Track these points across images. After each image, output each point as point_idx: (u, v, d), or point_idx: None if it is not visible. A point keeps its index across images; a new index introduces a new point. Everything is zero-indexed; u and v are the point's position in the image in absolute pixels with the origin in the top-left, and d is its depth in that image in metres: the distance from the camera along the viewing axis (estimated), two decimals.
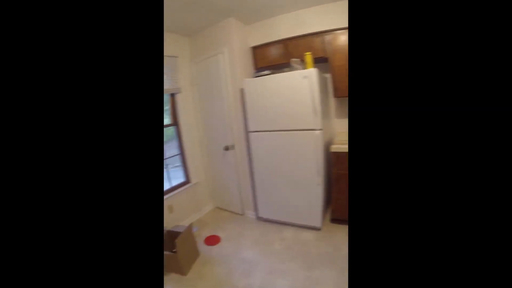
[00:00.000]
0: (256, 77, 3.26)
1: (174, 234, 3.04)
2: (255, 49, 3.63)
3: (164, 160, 3.71)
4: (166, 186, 3.71)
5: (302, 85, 2.85)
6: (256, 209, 3.67)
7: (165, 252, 2.63)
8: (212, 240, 3.28)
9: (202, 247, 3.16)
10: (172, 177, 3.81)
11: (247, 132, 3.47)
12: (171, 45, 3.58)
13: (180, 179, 3.97)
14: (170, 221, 3.53)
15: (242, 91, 3.38)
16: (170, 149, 3.84)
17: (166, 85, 3.53)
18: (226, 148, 3.67)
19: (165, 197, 3.54)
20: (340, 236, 2.96)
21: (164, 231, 3.15)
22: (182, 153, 3.91)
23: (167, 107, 3.72)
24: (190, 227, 2.98)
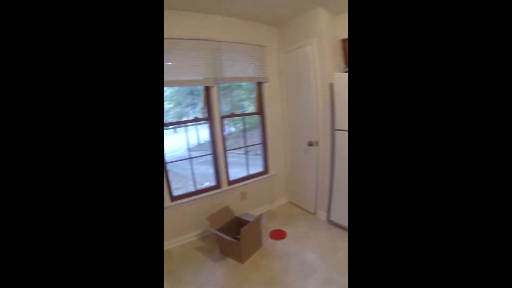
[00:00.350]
0: (347, 72, 3.01)
1: (241, 222, 3.10)
2: (346, 42, 3.34)
3: (245, 147, 3.77)
4: (243, 173, 3.78)
5: None
6: (328, 211, 3.46)
7: (228, 238, 2.68)
8: (278, 235, 3.23)
9: (266, 240, 3.14)
10: (250, 164, 3.86)
11: (333, 129, 3.24)
12: (259, 34, 3.56)
13: (259, 168, 3.99)
14: (240, 208, 3.60)
15: (331, 86, 3.16)
16: (252, 137, 3.88)
17: (253, 74, 3.55)
18: (310, 144, 3.53)
19: (240, 184, 3.63)
20: None
21: (233, 217, 3.22)
22: (264, 143, 3.91)
23: (252, 95, 3.75)
24: (259, 218, 2.98)
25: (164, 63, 2.89)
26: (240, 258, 2.71)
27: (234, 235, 2.87)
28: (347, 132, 3.04)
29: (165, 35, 2.81)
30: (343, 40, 3.34)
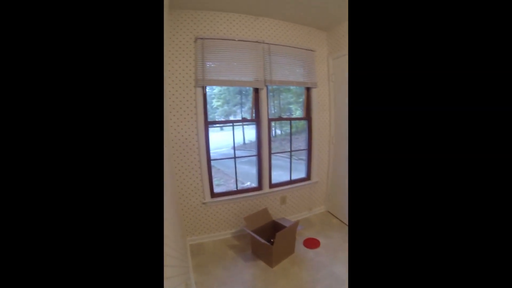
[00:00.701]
0: None
1: (278, 226, 3.10)
2: None
3: (290, 152, 3.75)
4: (285, 177, 3.76)
5: None
6: None
7: (261, 240, 2.69)
8: (311, 243, 3.16)
9: (299, 247, 3.09)
10: (293, 169, 3.82)
11: None
12: (307, 38, 3.53)
13: (301, 173, 3.94)
14: (278, 212, 3.60)
15: None
16: (297, 141, 3.85)
17: (302, 78, 3.51)
18: None
19: (281, 188, 3.61)
20: None
21: (270, 220, 3.22)
22: (309, 149, 3.85)
23: (300, 99, 3.71)
24: (296, 224, 2.94)
25: (210, 63, 2.99)
26: (270, 261, 2.70)
27: (268, 238, 2.87)
28: None
29: (216, 35, 2.92)
30: None
